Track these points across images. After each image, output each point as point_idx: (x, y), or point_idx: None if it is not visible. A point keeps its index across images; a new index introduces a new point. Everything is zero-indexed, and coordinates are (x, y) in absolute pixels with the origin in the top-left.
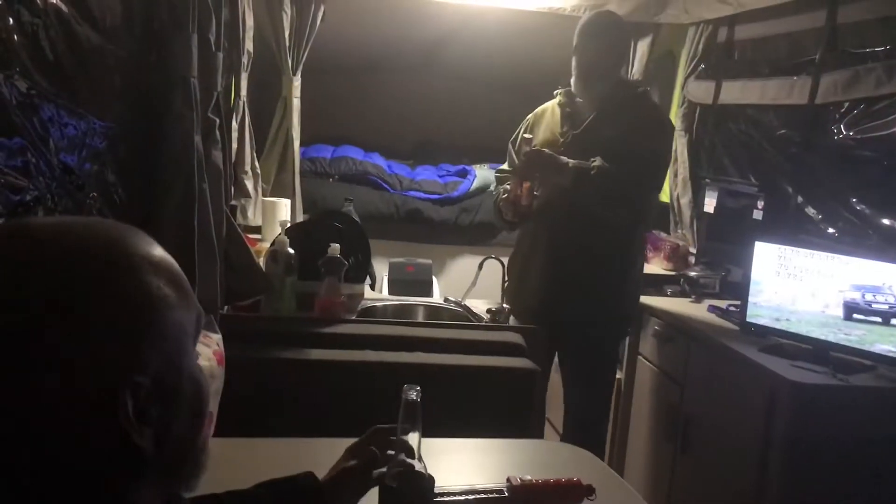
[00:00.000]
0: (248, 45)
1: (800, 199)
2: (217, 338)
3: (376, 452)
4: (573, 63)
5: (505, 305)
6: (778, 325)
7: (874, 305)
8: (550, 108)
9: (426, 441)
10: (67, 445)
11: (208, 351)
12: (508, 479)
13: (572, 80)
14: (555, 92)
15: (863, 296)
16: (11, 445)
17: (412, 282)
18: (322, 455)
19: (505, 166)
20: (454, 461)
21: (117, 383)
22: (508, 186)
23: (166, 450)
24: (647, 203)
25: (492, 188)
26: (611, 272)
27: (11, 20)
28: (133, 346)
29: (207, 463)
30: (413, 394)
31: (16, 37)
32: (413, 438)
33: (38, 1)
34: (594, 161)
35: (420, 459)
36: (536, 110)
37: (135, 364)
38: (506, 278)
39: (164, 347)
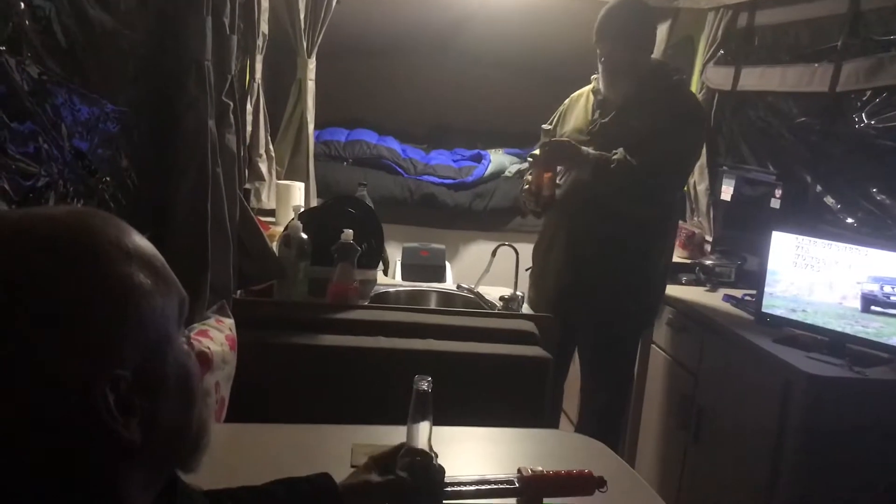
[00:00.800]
0: (264, 27)
1: (819, 188)
2: (230, 322)
3: (406, 481)
4: (598, 56)
5: (518, 293)
6: (794, 316)
7: (893, 298)
8: (586, 94)
9: (437, 429)
10: (51, 436)
11: (221, 336)
12: (519, 470)
13: (598, 73)
14: (592, 77)
15: (881, 288)
16: None
17: (425, 267)
18: (332, 442)
19: (536, 151)
20: (465, 450)
21: (95, 378)
22: (530, 177)
23: (156, 436)
24: (669, 197)
25: (508, 171)
26: (631, 266)
27: (23, 4)
28: (110, 339)
29: (208, 442)
30: (424, 384)
31: (27, 21)
32: (424, 428)
33: None
34: (615, 154)
35: (431, 449)
36: (573, 95)
37: (113, 357)
38: (530, 264)
39: (145, 337)
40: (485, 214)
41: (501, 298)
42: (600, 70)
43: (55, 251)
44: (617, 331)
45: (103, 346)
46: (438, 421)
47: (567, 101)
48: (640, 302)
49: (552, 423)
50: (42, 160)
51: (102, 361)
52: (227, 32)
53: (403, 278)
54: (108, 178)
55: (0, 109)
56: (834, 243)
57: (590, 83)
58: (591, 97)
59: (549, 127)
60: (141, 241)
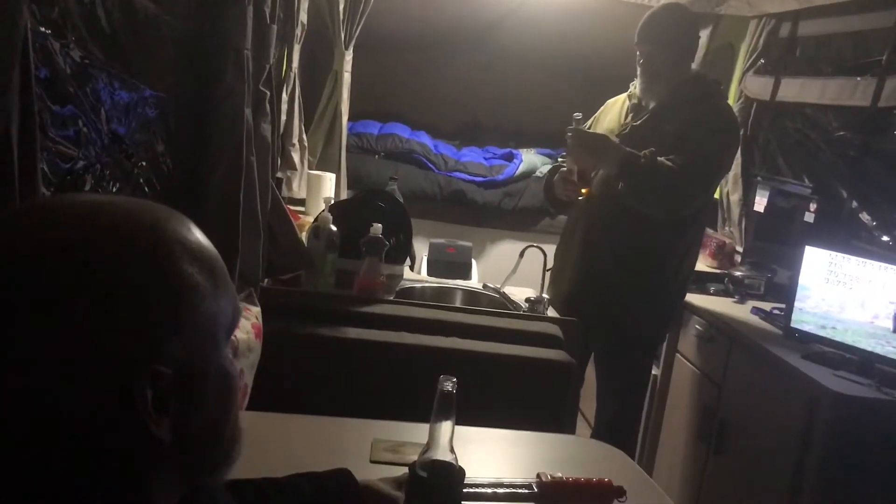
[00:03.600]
0: (303, 17)
1: (854, 203)
2: (256, 311)
3: (424, 481)
4: (636, 58)
5: (545, 295)
6: (823, 333)
7: None
8: (622, 100)
9: (457, 429)
10: (82, 428)
11: (247, 324)
12: (538, 475)
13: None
14: (631, 84)
15: None
16: (26, 423)
17: (451, 263)
18: (353, 435)
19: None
20: (484, 452)
21: (139, 370)
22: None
23: (187, 441)
24: (689, 204)
25: (539, 171)
26: (646, 271)
27: None
28: (159, 334)
29: (238, 454)
30: (449, 385)
31: (73, 6)
32: (446, 428)
33: None
34: (644, 152)
35: (452, 450)
36: (609, 101)
37: (159, 352)
38: (549, 265)
39: (193, 338)
40: (513, 214)
41: (528, 300)
42: (638, 73)
43: (125, 240)
44: (629, 336)
45: (151, 340)
46: (459, 420)
47: (604, 106)
48: (655, 308)
49: (569, 427)
50: (81, 143)
51: (147, 355)
52: (268, 22)
53: (429, 274)
54: (143, 163)
55: (43, 92)
56: (868, 261)
57: (628, 89)
58: (627, 102)
59: (580, 116)
60: (206, 244)
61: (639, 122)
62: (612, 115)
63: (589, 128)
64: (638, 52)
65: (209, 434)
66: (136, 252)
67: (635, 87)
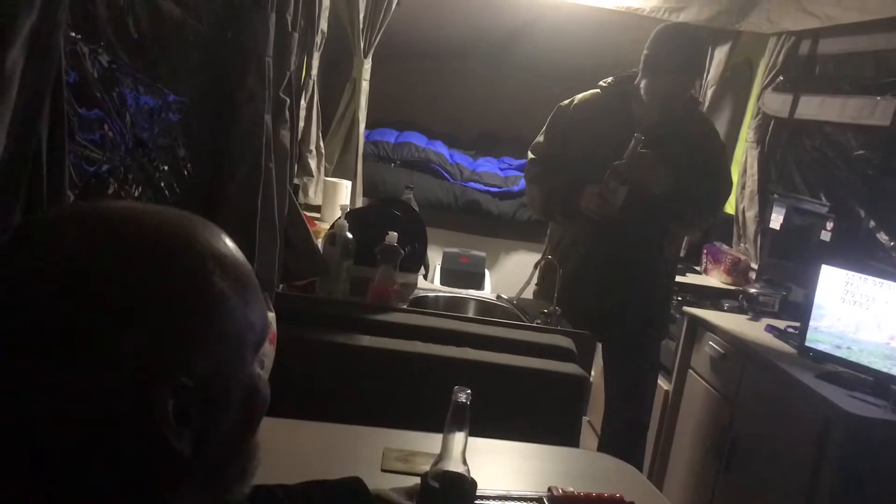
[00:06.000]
0: (323, 24)
1: (872, 223)
2: (271, 316)
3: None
4: (646, 81)
5: (557, 308)
6: (838, 353)
7: None
8: (595, 101)
9: (469, 440)
10: (102, 438)
11: None
12: (550, 489)
13: (643, 87)
14: (600, 84)
15: None
16: (44, 430)
17: (465, 273)
18: (364, 444)
19: (536, 155)
20: (495, 463)
21: (162, 381)
22: (599, 189)
23: (206, 455)
24: (715, 222)
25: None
26: (660, 282)
27: None
28: (185, 346)
29: (255, 469)
30: (463, 396)
31: (103, 11)
32: (459, 439)
33: None
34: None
35: (464, 462)
36: (576, 99)
37: (183, 363)
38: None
39: (218, 350)
40: (528, 225)
41: (542, 312)
42: (656, 98)
43: (157, 253)
44: (642, 344)
45: (177, 351)
46: (471, 431)
47: (568, 104)
48: (664, 315)
49: (574, 438)
50: (106, 147)
51: (172, 365)
52: (289, 29)
53: (442, 283)
54: (165, 167)
55: (71, 96)
56: (886, 282)
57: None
58: (605, 107)
59: (642, 137)
60: (239, 257)
61: (651, 144)
62: (599, 122)
63: (572, 127)
64: (657, 79)
65: (230, 449)
66: (168, 265)
67: (616, 87)
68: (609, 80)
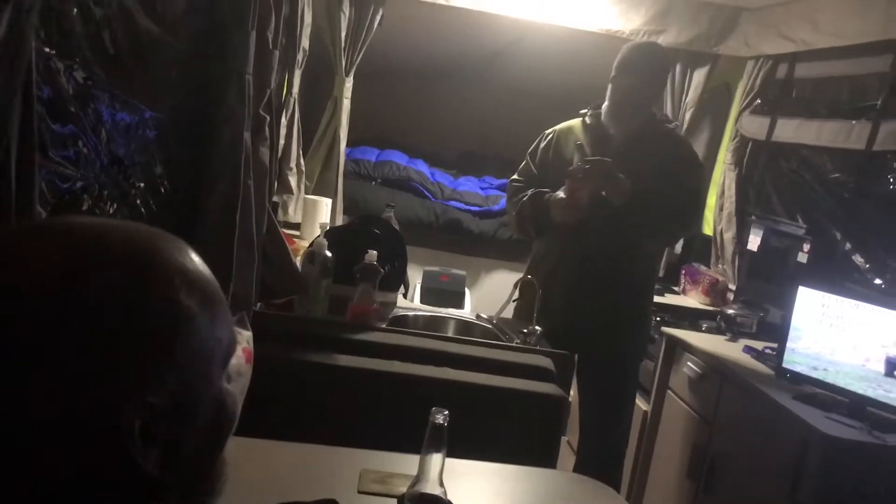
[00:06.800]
0: (305, 42)
1: (848, 245)
2: (248, 335)
3: None
4: (608, 92)
5: (537, 327)
6: (814, 374)
7: None
8: (577, 128)
9: (447, 462)
10: (69, 459)
11: (238, 348)
12: None
13: (604, 107)
14: (581, 111)
15: None
16: (10, 456)
17: (445, 292)
18: (341, 465)
19: (518, 176)
20: (472, 485)
21: (127, 400)
22: (561, 193)
23: (175, 473)
24: (684, 235)
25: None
26: (636, 296)
27: (76, 10)
28: (151, 366)
29: (223, 486)
30: (440, 417)
31: (79, 27)
32: (436, 461)
33: None
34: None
35: (441, 484)
36: (559, 127)
37: (150, 384)
38: (517, 295)
39: (185, 368)
40: (509, 244)
41: (520, 332)
42: (612, 104)
43: (121, 270)
44: (617, 365)
45: (143, 372)
46: (449, 452)
47: (552, 132)
48: (642, 329)
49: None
50: (80, 163)
51: (139, 384)
52: (270, 47)
53: (422, 301)
54: (141, 184)
55: (45, 111)
56: (861, 304)
57: (578, 116)
58: (582, 131)
59: (581, 143)
60: (204, 271)
61: (614, 156)
62: (571, 144)
63: (543, 153)
64: (614, 84)
65: (199, 466)
66: (133, 282)
67: (593, 116)
68: (588, 109)
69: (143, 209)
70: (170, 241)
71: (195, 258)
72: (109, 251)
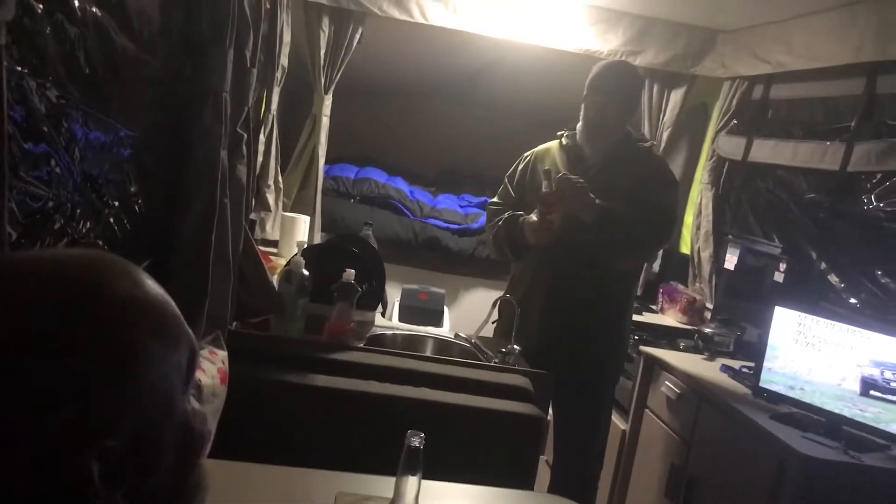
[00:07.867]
0: (284, 60)
1: (823, 265)
2: (223, 355)
3: None
4: (581, 111)
5: (515, 347)
6: (791, 394)
7: (893, 384)
8: (554, 149)
9: (424, 483)
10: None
11: (213, 368)
12: None
13: (578, 127)
14: (559, 133)
15: (882, 373)
16: None
17: (424, 309)
18: (317, 487)
19: (497, 199)
20: None
21: (83, 449)
22: (534, 217)
23: (146, 500)
24: (654, 254)
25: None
26: (611, 317)
27: (49, 29)
28: (106, 408)
29: (204, 500)
30: (416, 440)
31: (52, 46)
32: (412, 484)
33: (77, 11)
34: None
35: None
36: (537, 149)
37: (106, 426)
38: (496, 315)
39: (144, 402)
40: (487, 262)
41: (499, 351)
42: (586, 124)
43: (65, 307)
44: (592, 385)
45: (97, 415)
46: (426, 473)
47: (530, 155)
48: (619, 348)
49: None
50: (53, 183)
51: (93, 432)
52: (248, 65)
53: (400, 320)
54: (115, 203)
55: (16, 131)
56: (837, 324)
57: (556, 138)
58: (559, 152)
59: (548, 168)
60: (155, 295)
61: (590, 175)
62: (549, 166)
63: (521, 175)
64: (587, 102)
65: (171, 491)
66: (75, 322)
67: (570, 137)
68: (564, 130)
69: (116, 228)
70: (112, 267)
71: (146, 282)
72: (43, 290)
